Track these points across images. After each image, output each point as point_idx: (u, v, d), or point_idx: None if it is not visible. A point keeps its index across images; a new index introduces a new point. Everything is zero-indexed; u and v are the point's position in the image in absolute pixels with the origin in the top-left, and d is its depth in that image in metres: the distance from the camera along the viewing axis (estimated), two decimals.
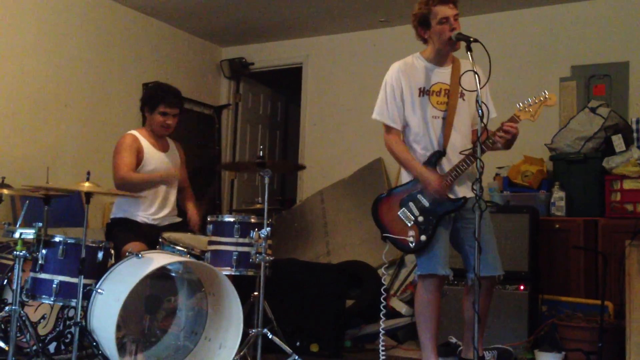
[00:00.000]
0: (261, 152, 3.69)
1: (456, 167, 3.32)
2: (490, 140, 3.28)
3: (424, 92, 3.40)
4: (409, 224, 3.34)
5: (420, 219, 3.33)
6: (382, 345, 3.52)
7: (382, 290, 3.51)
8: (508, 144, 3.32)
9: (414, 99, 3.40)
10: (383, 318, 3.49)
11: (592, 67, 5.31)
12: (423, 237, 3.30)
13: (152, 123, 4.15)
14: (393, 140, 3.44)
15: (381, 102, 3.45)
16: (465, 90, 3.35)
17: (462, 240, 3.41)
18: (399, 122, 3.43)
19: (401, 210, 3.37)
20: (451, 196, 3.36)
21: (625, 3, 5.32)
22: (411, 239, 3.32)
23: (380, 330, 3.51)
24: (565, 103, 5.30)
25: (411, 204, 3.36)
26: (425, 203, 3.34)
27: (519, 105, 3.33)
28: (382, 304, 3.49)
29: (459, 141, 3.39)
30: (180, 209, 4.31)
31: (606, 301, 4.09)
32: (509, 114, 3.34)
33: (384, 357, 3.52)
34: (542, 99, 3.34)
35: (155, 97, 4.16)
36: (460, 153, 3.33)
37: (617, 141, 4.70)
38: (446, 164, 3.37)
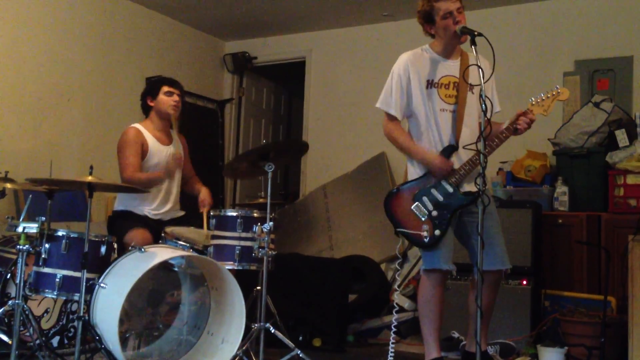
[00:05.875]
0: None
1: (469, 161, 3.29)
2: (514, 126, 3.27)
3: (431, 84, 3.38)
4: (423, 219, 3.32)
5: (434, 213, 3.31)
6: (392, 341, 3.51)
7: (390, 285, 3.50)
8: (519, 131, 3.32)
9: (422, 91, 3.38)
10: (395, 315, 3.50)
11: (596, 61, 5.29)
12: (437, 232, 3.28)
13: (159, 108, 4.14)
14: (393, 127, 3.42)
15: (386, 92, 3.43)
16: (471, 84, 3.35)
17: (469, 234, 3.40)
18: (400, 113, 3.41)
19: (415, 205, 3.35)
20: (462, 191, 3.34)
21: None
22: (425, 233, 3.30)
23: (392, 326, 3.51)
24: (569, 98, 5.27)
25: (425, 199, 3.33)
26: (440, 197, 3.32)
27: (532, 99, 3.32)
28: (394, 300, 3.48)
29: (468, 135, 3.36)
30: (186, 199, 4.31)
31: (609, 296, 4.08)
32: (512, 108, 3.33)
33: (392, 353, 3.51)
34: (554, 93, 3.32)
35: (155, 83, 4.23)
36: (464, 148, 3.31)
37: (621, 136, 4.69)
38: (456, 160, 3.36)
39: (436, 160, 3.31)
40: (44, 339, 3.29)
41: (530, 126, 3.28)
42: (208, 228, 3.82)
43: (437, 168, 3.30)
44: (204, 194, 4.24)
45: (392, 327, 3.51)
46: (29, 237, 3.19)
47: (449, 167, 3.30)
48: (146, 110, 4.22)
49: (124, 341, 3.30)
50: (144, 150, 4.04)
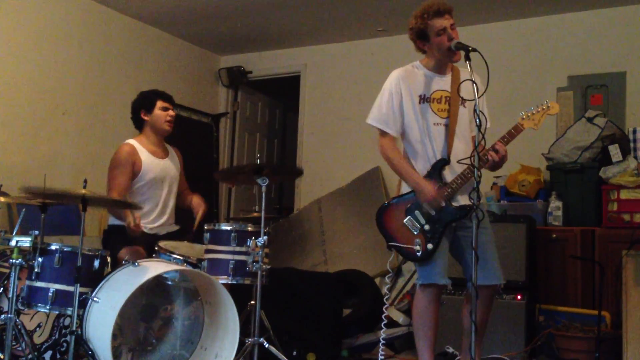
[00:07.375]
0: (259, 160, 3.69)
1: (460, 175, 3.30)
2: (485, 157, 3.27)
3: (424, 99, 3.39)
4: (415, 232, 3.31)
5: (427, 227, 3.30)
6: (382, 355, 3.50)
7: (384, 299, 3.50)
8: (494, 166, 3.31)
9: (414, 106, 3.38)
10: (384, 328, 3.49)
11: (589, 77, 5.32)
12: (430, 246, 3.28)
13: (154, 123, 4.14)
14: (388, 146, 3.40)
15: (377, 108, 3.42)
16: (464, 98, 3.36)
17: (463, 249, 3.39)
18: (393, 129, 3.39)
19: (407, 219, 3.34)
20: (454, 204, 3.35)
21: (622, 13, 5.35)
22: (417, 247, 3.29)
23: (381, 340, 3.50)
24: (562, 113, 5.30)
25: (417, 212, 3.33)
26: (432, 211, 3.31)
27: (522, 113, 3.33)
28: (383, 314, 3.47)
29: (462, 149, 3.37)
30: (181, 212, 4.30)
31: (603, 311, 4.08)
32: (506, 124, 3.34)
33: None
34: (544, 107, 3.34)
35: (150, 97, 4.21)
36: (458, 162, 3.31)
37: (614, 151, 4.71)
38: (449, 173, 3.36)
39: (430, 190, 3.28)
40: (36, 353, 3.27)
41: (500, 156, 3.26)
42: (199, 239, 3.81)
43: (427, 197, 3.27)
44: (197, 198, 4.27)
45: (381, 341, 3.50)
46: (22, 251, 3.17)
47: (439, 200, 3.28)
48: (139, 123, 4.21)
49: (116, 356, 3.28)
50: (135, 170, 4.02)
